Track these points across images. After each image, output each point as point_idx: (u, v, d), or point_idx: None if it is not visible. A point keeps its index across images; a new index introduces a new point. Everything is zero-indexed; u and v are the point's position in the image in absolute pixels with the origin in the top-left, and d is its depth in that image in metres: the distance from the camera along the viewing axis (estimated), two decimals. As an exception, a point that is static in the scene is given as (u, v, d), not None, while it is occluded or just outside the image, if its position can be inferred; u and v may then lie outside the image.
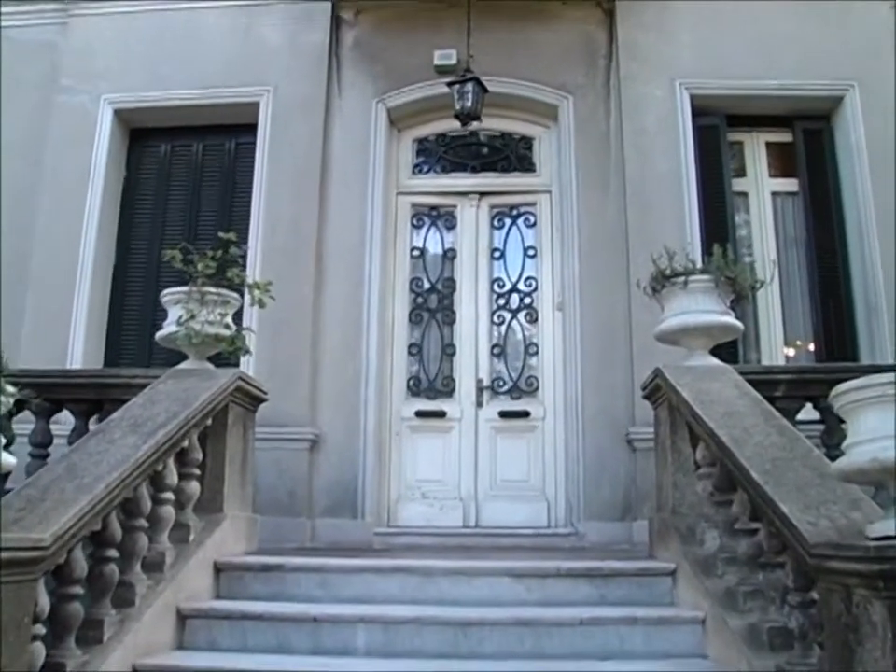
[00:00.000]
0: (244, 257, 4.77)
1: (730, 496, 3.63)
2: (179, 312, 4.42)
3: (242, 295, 4.80)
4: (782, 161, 7.28)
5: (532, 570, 3.95)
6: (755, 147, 7.29)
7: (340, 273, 6.76)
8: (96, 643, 3.15)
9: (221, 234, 4.60)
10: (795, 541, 2.80)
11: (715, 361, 4.42)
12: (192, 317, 4.35)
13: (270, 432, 5.81)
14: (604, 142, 6.96)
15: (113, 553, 3.33)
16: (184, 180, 7.38)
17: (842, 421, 4.31)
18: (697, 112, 6.99)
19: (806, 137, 7.18)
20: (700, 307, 4.38)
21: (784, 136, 7.26)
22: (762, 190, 7.17)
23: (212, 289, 4.45)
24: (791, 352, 6.82)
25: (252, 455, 4.74)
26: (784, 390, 4.25)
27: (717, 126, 7.10)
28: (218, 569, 4.06)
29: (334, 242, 6.83)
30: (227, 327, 4.51)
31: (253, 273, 6.21)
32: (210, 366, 4.57)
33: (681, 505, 4.12)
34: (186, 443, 3.91)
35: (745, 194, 7.18)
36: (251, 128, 7.19)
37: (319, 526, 6.24)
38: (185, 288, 4.48)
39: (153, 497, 3.69)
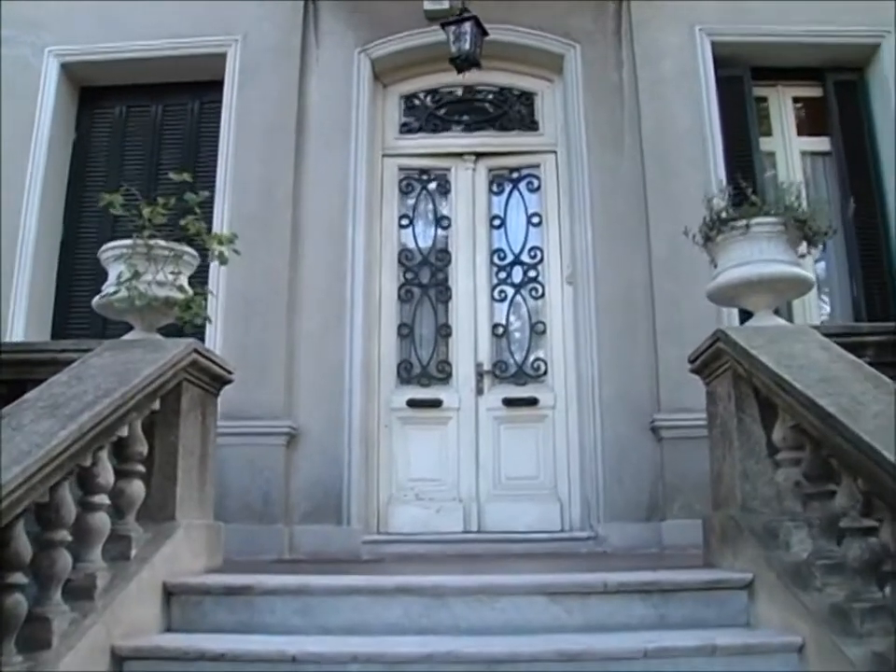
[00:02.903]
0: (203, 205, 3.84)
1: (827, 485, 2.82)
2: (121, 269, 3.54)
3: (204, 255, 3.94)
4: (812, 118, 6.58)
5: (571, 586, 3.09)
6: (781, 103, 6.62)
7: (319, 245, 6.00)
8: (-9, 703, 2.28)
9: (173, 175, 3.74)
10: (971, 544, 1.99)
11: (784, 322, 3.61)
12: (136, 275, 3.47)
13: (240, 426, 5.22)
14: (616, 95, 6.25)
15: (19, 578, 2.43)
16: (141, 145, 6.61)
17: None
18: (719, 63, 6.27)
19: (838, 91, 6.51)
20: (765, 256, 3.55)
21: (814, 91, 6.58)
22: (790, 150, 6.48)
23: (162, 242, 3.58)
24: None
25: (213, 449, 3.85)
26: (873, 355, 3.42)
27: (741, 77, 6.39)
28: (169, 593, 3.15)
29: (312, 210, 6.07)
30: (181, 289, 3.62)
31: (220, 245, 5.37)
32: (159, 337, 3.69)
33: (753, 499, 3.31)
34: (125, 431, 3.02)
35: (772, 154, 6.45)
36: (217, 85, 6.44)
37: (299, 534, 5.49)
38: (128, 242, 3.60)
39: (80, 501, 2.82)
